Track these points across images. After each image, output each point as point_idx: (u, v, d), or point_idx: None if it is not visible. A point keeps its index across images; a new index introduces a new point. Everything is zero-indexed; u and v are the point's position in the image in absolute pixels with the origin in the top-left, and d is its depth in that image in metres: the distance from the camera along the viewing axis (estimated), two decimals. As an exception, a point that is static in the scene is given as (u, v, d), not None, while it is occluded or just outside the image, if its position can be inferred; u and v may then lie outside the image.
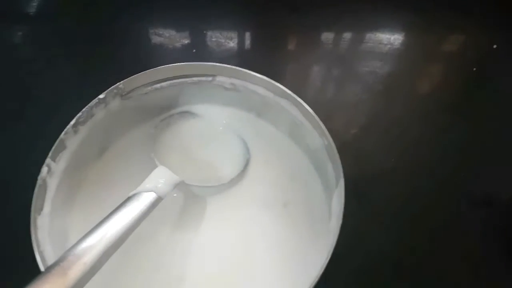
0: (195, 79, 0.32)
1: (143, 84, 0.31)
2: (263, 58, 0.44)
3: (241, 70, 0.30)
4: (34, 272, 0.22)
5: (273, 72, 0.32)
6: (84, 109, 0.28)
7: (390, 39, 0.46)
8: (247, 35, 0.47)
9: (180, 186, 0.30)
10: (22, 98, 0.40)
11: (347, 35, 0.47)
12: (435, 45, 0.46)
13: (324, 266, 0.23)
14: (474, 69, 0.44)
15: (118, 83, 0.29)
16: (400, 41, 0.46)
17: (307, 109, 0.29)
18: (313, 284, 0.23)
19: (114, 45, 0.44)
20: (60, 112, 0.29)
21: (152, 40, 0.46)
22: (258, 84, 0.31)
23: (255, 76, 0.30)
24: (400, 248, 0.34)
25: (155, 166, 0.30)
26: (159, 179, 0.28)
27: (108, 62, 0.42)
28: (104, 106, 0.30)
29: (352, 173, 0.28)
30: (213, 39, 0.45)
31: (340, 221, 0.25)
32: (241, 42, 0.46)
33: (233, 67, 0.30)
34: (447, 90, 0.43)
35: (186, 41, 0.45)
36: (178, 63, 0.30)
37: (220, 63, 0.31)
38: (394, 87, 0.43)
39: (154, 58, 0.45)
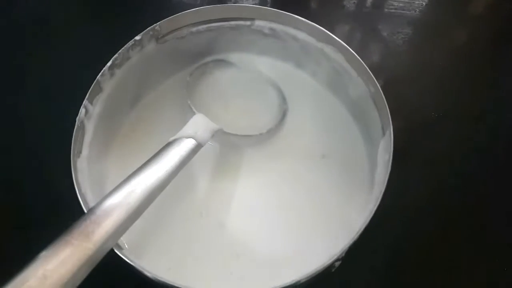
0: (233, 23, 0.30)
1: (179, 26, 0.29)
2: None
3: (283, 13, 0.29)
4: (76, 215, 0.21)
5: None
6: (120, 51, 0.27)
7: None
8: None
9: (217, 135, 0.29)
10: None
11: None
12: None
13: (371, 215, 0.22)
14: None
15: (154, 25, 0.28)
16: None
17: (353, 55, 0.28)
18: (357, 236, 0.22)
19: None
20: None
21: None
22: (300, 29, 0.30)
23: (298, 20, 0.29)
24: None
25: (191, 115, 0.28)
26: (198, 126, 0.27)
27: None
28: (140, 49, 0.28)
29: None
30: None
31: (389, 169, 0.25)
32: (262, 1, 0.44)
33: (275, 9, 0.29)
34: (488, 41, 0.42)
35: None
36: (216, 5, 0.29)
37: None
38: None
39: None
